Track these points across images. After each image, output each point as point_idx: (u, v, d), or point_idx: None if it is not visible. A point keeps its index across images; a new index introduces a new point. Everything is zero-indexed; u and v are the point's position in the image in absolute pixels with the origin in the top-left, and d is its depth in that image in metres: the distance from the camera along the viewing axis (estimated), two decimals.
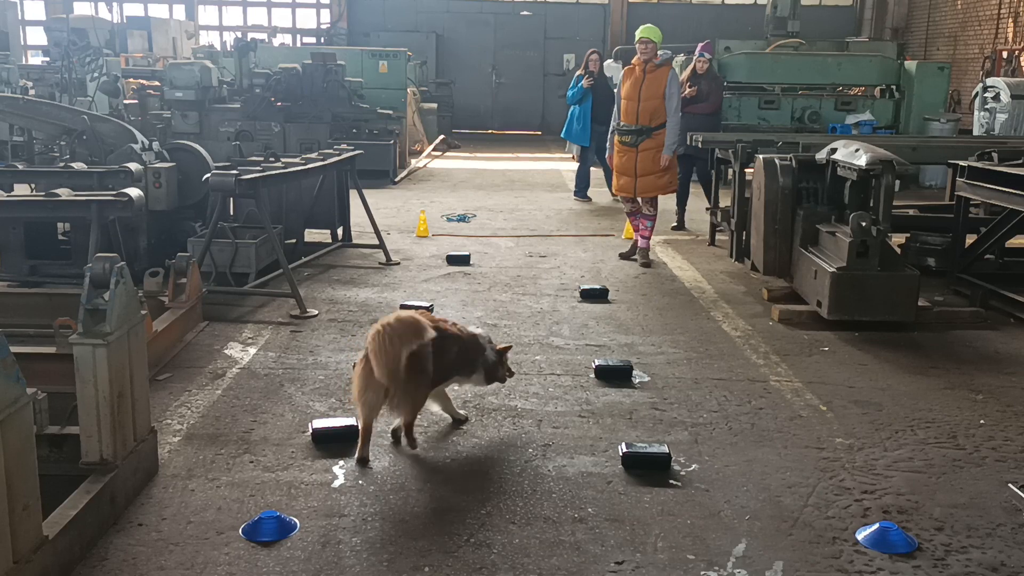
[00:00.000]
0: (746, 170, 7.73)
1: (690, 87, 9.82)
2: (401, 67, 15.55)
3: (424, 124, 18.08)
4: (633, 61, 7.86)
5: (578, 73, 11.97)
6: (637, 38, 7.78)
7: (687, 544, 3.26)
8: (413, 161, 15.96)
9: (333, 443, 4.03)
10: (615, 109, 8.00)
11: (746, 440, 4.19)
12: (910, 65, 15.10)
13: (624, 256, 8.20)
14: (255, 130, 12.84)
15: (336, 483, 3.69)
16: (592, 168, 12.02)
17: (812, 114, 14.72)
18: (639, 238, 8.08)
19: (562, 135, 12.40)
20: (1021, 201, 6.24)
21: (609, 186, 11.80)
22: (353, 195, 8.43)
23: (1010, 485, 3.70)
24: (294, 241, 7.98)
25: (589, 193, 11.97)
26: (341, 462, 3.87)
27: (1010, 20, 18.11)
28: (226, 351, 5.39)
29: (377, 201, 9.64)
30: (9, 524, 2.58)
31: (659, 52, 7.75)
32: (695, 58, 10.03)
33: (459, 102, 22.16)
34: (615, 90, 8.01)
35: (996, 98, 12.60)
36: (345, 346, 5.52)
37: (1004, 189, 6.39)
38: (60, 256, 6.67)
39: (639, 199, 7.94)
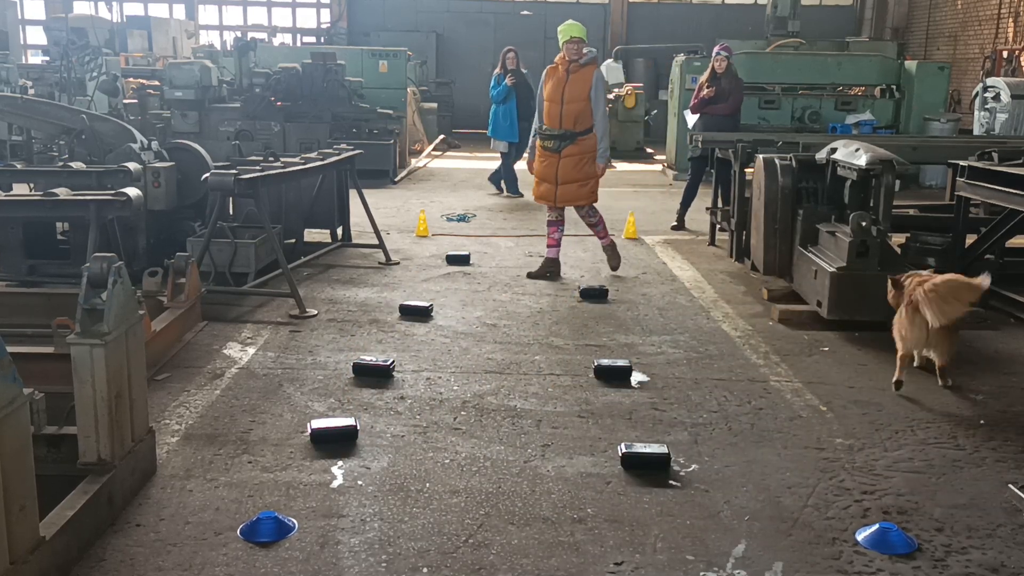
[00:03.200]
0: (746, 170, 7.72)
1: (708, 87, 9.74)
2: (401, 67, 15.54)
3: (424, 124, 18.06)
4: (556, 60, 7.26)
5: (497, 72, 12.16)
6: (567, 37, 7.08)
7: (686, 545, 3.25)
8: (413, 161, 15.95)
9: (332, 443, 4.02)
10: (537, 111, 7.38)
11: (746, 440, 4.18)
12: (910, 65, 15.11)
13: (615, 266, 7.60)
14: (255, 130, 12.83)
15: (335, 484, 3.68)
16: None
17: (812, 114, 14.73)
18: (554, 247, 7.46)
19: (489, 134, 12.55)
20: (1021, 201, 6.23)
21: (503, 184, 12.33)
22: (353, 195, 8.42)
23: (1010, 486, 3.69)
24: (293, 241, 7.97)
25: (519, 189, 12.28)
26: (340, 462, 3.87)
27: (1010, 20, 18.11)
28: (225, 351, 5.38)
29: (377, 201, 9.63)
30: (6, 525, 2.57)
31: (585, 50, 7.15)
32: (713, 57, 9.90)
33: (459, 102, 22.14)
34: (538, 91, 7.48)
35: (996, 98, 12.59)
36: (344, 346, 5.51)
37: (1004, 189, 6.38)
38: (59, 256, 6.65)
39: (572, 209, 7.45)
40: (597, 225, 7.57)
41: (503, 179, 12.45)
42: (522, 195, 12.12)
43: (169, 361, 5.13)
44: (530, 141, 7.52)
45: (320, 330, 5.85)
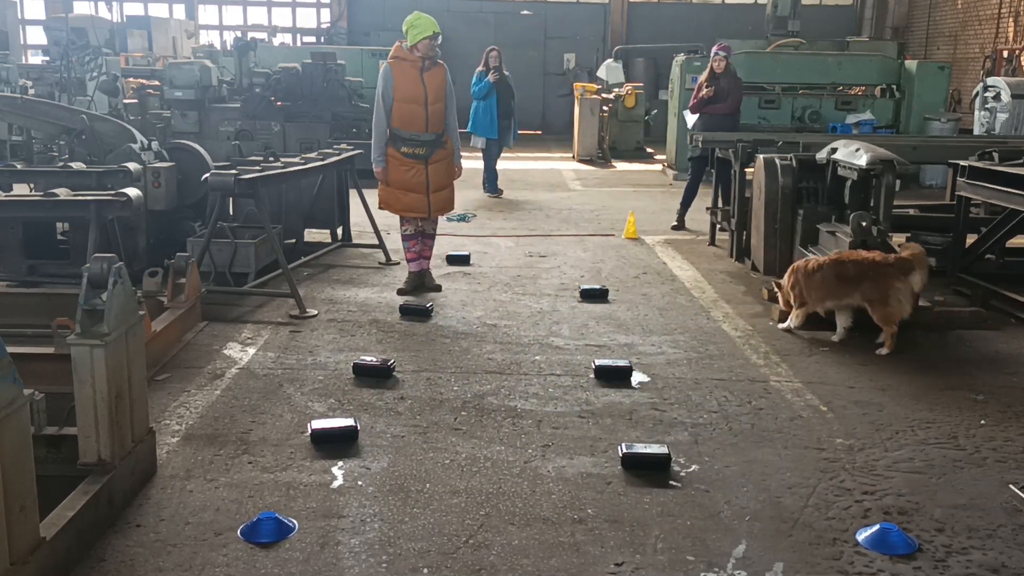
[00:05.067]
0: (746, 170, 7.72)
1: (707, 87, 9.71)
2: None
3: None
4: (401, 55, 6.44)
5: (479, 70, 12.12)
6: (430, 32, 6.31)
7: (687, 545, 3.25)
8: None
9: (332, 444, 4.02)
10: (383, 115, 6.49)
11: (746, 440, 4.18)
12: (910, 64, 15.11)
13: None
14: (255, 129, 12.84)
15: (335, 484, 3.68)
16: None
17: (812, 114, 14.73)
18: (416, 260, 6.88)
19: (468, 129, 12.54)
20: (1022, 201, 6.23)
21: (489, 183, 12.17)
22: (353, 195, 8.42)
23: (1011, 486, 3.69)
24: (294, 241, 7.97)
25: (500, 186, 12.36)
26: (340, 463, 3.86)
27: (1010, 20, 18.11)
28: (225, 351, 5.38)
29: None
30: (6, 525, 2.57)
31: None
32: (712, 57, 9.87)
33: (459, 101, 22.12)
34: (382, 91, 6.48)
35: (996, 97, 12.59)
36: (344, 346, 5.51)
37: (1005, 189, 6.38)
38: (59, 256, 6.66)
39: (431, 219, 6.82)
40: (431, 240, 6.93)
41: (485, 178, 12.45)
42: (501, 191, 12.24)
43: (169, 361, 5.13)
44: (376, 150, 6.56)
45: (320, 330, 5.84)
